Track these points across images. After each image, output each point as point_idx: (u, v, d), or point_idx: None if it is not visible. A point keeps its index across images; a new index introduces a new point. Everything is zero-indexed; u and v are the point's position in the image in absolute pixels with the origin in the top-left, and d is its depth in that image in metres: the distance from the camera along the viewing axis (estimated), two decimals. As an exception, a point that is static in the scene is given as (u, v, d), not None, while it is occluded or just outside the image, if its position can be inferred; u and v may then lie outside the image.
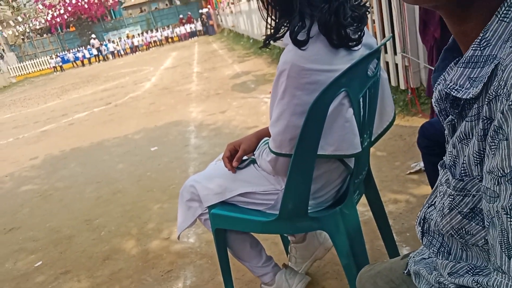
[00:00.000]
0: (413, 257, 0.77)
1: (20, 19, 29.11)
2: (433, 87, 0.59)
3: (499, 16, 0.47)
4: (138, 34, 27.50)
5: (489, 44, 0.48)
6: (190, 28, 26.97)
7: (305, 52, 0.97)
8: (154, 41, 26.60)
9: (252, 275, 1.62)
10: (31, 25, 29.74)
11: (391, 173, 2.37)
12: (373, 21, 3.64)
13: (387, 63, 3.58)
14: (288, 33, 1.01)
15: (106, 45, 24.92)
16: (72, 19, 31.00)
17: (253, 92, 5.68)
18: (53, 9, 29.76)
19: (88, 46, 25.77)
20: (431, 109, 2.39)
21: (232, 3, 15.20)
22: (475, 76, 0.50)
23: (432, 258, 0.71)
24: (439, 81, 0.58)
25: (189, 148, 3.81)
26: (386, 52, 3.52)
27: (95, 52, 24.65)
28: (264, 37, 1.09)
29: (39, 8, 30.67)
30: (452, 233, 0.59)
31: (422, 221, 0.69)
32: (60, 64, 24.01)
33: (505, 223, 0.45)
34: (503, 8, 0.47)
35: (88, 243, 2.40)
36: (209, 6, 24.96)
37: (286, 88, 0.99)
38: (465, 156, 0.53)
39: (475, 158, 0.51)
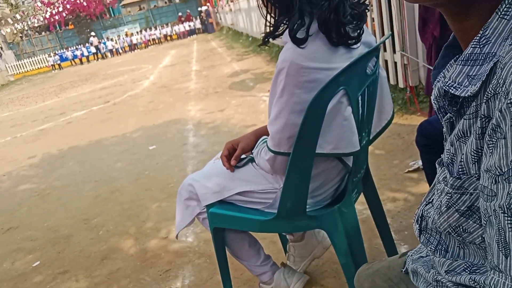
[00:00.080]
0: (411, 255, 0.76)
1: (18, 16, 29.01)
2: (433, 84, 0.59)
3: (499, 13, 0.47)
4: (137, 32, 27.45)
5: (488, 42, 0.48)
6: (189, 26, 26.92)
7: (304, 50, 0.96)
8: (153, 39, 26.55)
9: (250, 274, 1.61)
10: (29, 23, 29.64)
11: (389, 171, 2.36)
12: (372, 19, 3.64)
13: (386, 61, 3.57)
14: (287, 31, 1.00)
15: (104, 43, 24.86)
16: (71, 17, 30.90)
17: (252, 90, 5.68)
18: (52, 6, 29.65)
19: (87, 44, 25.71)
20: (429, 107, 2.39)
21: (232, 1, 15.17)
22: (473, 74, 0.49)
23: (430, 256, 0.70)
24: (439, 78, 0.57)
25: (188, 146, 3.80)
26: (385, 50, 3.51)
27: (93, 50, 24.59)
28: (263, 34, 1.08)
29: (37, 5, 30.59)
30: (450, 231, 0.59)
31: (420, 219, 0.69)
32: (59, 62, 23.95)
33: (502, 222, 0.45)
34: (504, 6, 0.47)
35: (86, 242, 2.40)
36: (208, 4, 24.91)
37: (285, 86, 0.99)
38: (463, 154, 0.52)
39: (472, 157, 0.50)
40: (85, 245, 2.37)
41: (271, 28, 1.06)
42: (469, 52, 0.50)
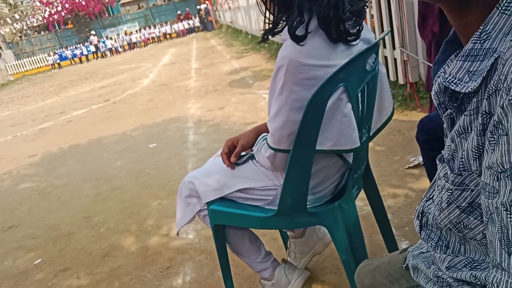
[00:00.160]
0: (412, 251, 0.77)
1: (17, 16, 28.92)
2: (433, 80, 0.59)
3: (500, 8, 0.47)
4: (136, 31, 27.38)
5: (489, 37, 0.48)
6: (188, 24, 26.86)
7: (303, 48, 0.96)
8: (152, 38, 26.49)
9: (251, 271, 1.62)
10: (28, 22, 29.55)
11: (390, 167, 2.37)
12: (372, 16, 3.63)
13: (385, 57, 3.57)
14: (286, 28, 1.00)
15: (104, 42, 24.82)
16: (70, 16, 30.83)
17: (251, 88, 5.67)
18: (51, 6, 29.56)
19: (86, 43, 25.67)
20: (430, 103, 2.38)
21: (230, -1, 15.14)
22: (474, 70, 0.49)
23: (430, 252, 0.71)
24: (439, 73, 0.57)
25: (188, 144, 3.80)
26: (384, 46, 3.51)
27: (93, 49, 24.55)
28: (262, 32, 1.08)
29: (36, 5, 30.50)
30: (450, 227, 0.58)
31: (420, 215, 0.68)
32: (58, 61, 23.90)
33: (505, 220, 0.45)
34: (504, 1, 0.46)
35: (87, 240, 2.40)
36: (207, 2, 24.84)
37: (284, 84, 0.99)
38: (464, 150, 0.52)
39: (473, 153, 0.50)
40: (86, 243, 2.37)
41: (270, 25, 1.06)
42: (469, 48, 0.50)
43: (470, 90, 0.49)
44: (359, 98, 1.08)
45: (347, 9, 0.98)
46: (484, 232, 0.54)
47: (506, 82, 0.43)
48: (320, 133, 1.03)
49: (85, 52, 24.55)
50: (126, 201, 2.83)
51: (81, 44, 26.16)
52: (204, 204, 1.31)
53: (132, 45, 25.16)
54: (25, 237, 2.64)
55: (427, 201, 0.67)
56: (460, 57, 0.51)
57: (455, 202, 0.55)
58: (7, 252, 2.50)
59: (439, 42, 2.03)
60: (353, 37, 1.02)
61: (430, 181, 1.58)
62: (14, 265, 2.33)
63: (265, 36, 1.08)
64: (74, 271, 2.11)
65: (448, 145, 0.56)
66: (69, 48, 25.89)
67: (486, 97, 0.46)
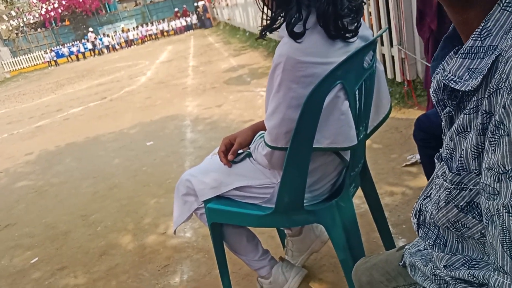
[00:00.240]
0: (409, 249, 0.76)
1: (13, 13, 28.80)
2: (432, 77, 0.58)
3: (501, 5, 0.46)
4: (133, 28, 27.29)
5: (490, 34, 0.47)
6: (186, 21, 26.79)
7: (300, 45, 0.96)
8: (150, 35, 26.43)
9: (249, 269, 1.62)
10: (25, 19, 29.44)
11: (387, 165, 2.37)
12: (370, 13, 3.62)
13: (383, 55, 3.57)
14: (284, 25, 1.00)
15: (101, 39, 24.72)
16: (67, 13, 30.69)
17: (249, 85, 5.66)
18: (47, 3, 29.43)
19: (83, 41, 25.57)
20: (427, 101, 2.39)
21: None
22: (474, 67, 0.48)
23: (427, 249, 0.70)
24: (438, 70, 0.56)
25: (185, 142, 3.79)
26: (382, 44, 3.51)
27: (90, 46, 24.46)
28: (260, 28, 1.07)
29: (32, 2, 30.33)
30: (448, 225, 0.58)
31: (418, 213, 0.68)
32: (55, 58, 23.81)
33: (507, 222, 0.44)
34: None
35: (84, 238, 2.40)
36: (204, -1, 24.79)
37: (282, 81, 0.98)
38: (463, 149, 0.51)
39: (472, 152, 0.49)
40: (83, 241, 2.36)
41: (268, 22, 1.05)
42: (469, 45, 0.49)
43: (470, 88, 0.48)
44: (357, 95, 1.08)
45: (345, 6, 0.98)
46: (483, 231, 0.53)
47: (508, 81, 0.42)
48: (318, 131, 1.02)
49: (82, 50, 24.46)
50: (123, 199, 2.82)
51: (78, 41, 26.06)
52: (201, 202, 1.30)
53: (129, 43, 25.09)
54: (22, 236, 2.63)
55: (424, 199, 0.67)
56: (460, 55, 0.50)
57: (453, 201, 0.54)
58: (3, 250, 2.49)
59: (437, 39, 2.03)
60: (351, 34, 1.01)
61: (428, 179, 1.58)
62: (11, 264, 2.32)
63: (263, 32, 1.07)
64: (71, 269, 2.11)
65: (447, 144, 0.56)
66: (66, 45, 25.81)
67: (486, 96, 0.46)
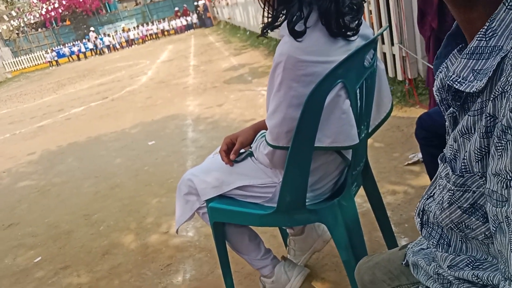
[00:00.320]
0: (412, 247, 0.76)
1: (14, 13, 28.81)
2: (435, 75, 0.57)
3: (506, 4, 0.45)
4: (134, 28, 27.30)
5: (495, 34, 0.46)
6: (186, 20, 26.78)
7: (301, 44, 0.96)
8: (150, 34, 26.42)
9: (251, 268, 1.62)
10: (25, 19, 29.45)
11: (389, 164, 2.37)
12: (370, 12, 3.62)
13: (384, 54, 3.56)
14: (284, 23, 1.00)
15: (101, 39, 24.73)
16: (67, 13, 30.70)
17: (250, 84, 5.66)
18: (47, 3, 29.44)
19: (84, 40, 25.58)
20: (430, 99, 2.38)
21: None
22: (479, 68, 0.48)
23: (430, 248, 0.70)
24: (441, 68, 0.56)
25: (187, 141, 3.80)
26: (383, 43, 3.50)
27: (90, 46, 24.47)
28: (262, 25, 1.07)
29: (33, 2, 30.34)
30: (452, 226, 0.58)
31: (421, 213, 0.68)
32: (56, 58, 23.85)
33: None
34: None
35: (87, 238, 2.40)
36: (205, -2, 24.76)
37: (282, 80, 0.98)
38: (466, 151, 0.51)
39: (476, 155, 0.49)
40: (86, 241, 2.37)
41: (270, 19, 1.05)
42: (474, 46, 0.48)
43: (475, 90, 0.47)
44: (358, 94, 1.08)
45: (347, 4, 0.98)
46: (486, 233, 0.53)
47: None
48: (319, 130, 1.02)
49: (83, 49, 24.47)
50: (125, 199, 2.82)
51: (78, 41, 26.07)
52: (203, 201, 1.31)
53: (130, 42, 25.09)
54: (25, 235, 2.64)
55: (428, 199, 0.66)
56: (465, 55, 0.50)
57: (457, 202, 0.54)
58: (7, 250, 2.50)
59: (438, 38, 2.03)
60: (352, 32, 1.01)
61: (430, 178, 1.58)
62: (14, 263, 2.33)
63: (265, 30, 1.07)
64: (74, 269, 2.11)
65: (451, 145, 0.55)
66: (66, 45, 25.82)
67: (491, 98, 0.45)
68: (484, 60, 0.47)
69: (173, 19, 27.88)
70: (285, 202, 1.15)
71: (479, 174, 0.50)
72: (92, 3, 30.20)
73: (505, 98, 0.43)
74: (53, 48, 25.67)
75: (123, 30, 26.74)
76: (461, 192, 0.53)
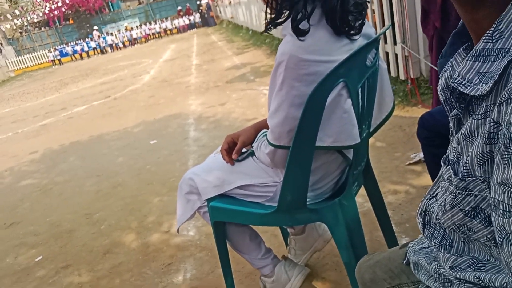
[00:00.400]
0: (412, 246, 0.76)
1: (17, 12, 28.88)
2: (440, 74, 0.57)
3: None
4: (137, 27, 27.32)
5: (502, 36, 0.45)
6: (189, 20, 26.80)
7: (303, 43, 0.95)
8: (153, 34, 26.44)
9: (251, 267, 1.62)
10: (28, 18, 29.52)
11: (390, 164, 2.36)
12: (373, 11, 3.61)
13: (386, 53, 3.55)
14: (287, 23, 0.99)
15: (104, 38, 24.78)
16: (70, 12, 30.76)
17: (252, 84, 5.66)
18: (51, 2, 29.51)
19: (87, 39, 25.64)
20: (433, 98, 2.37)
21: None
22: (484, 71, 0.47)
23: (432, 247, 0.70)
24: (446, 67, 0.55)
25: (189, 141, 3.80)
26: (386, 42, 3.49)
27: (93, 45, 24.52)
28: (266, 21, 1.06)
29: (36, 1, 30.44)
30: (454, 228, 0.57)
31: (423, 213, 0.67)
32: (59, 57, 23.91)
33: None
34: None
35: (88, 237, 2.41)
36: (208, -3, 24.75)
37: (284, 80, 0.98)
38: (468, 155, 0.50)
39: (478, 160, 0.48)
40: (87, 240, 2.38)
41: (273, 15, 1.04)
42: (480, 48, 0.47)
43: (480, 93, 0.46)
44: (359, 93, 1.08)
45: (352, 3, 0.98)
46: (489, 236, 0.52)
47: None
48: (320, 129, 1.02)
49: (85, 48, 24.53)
50: (127, 198, 2.83)
51: (81, 40, 26.13)
52: (204, 200, 1.31)
53: (132, 41, 25.12)
54: (27, 234, 2.65)
55: (430, 199, 0.66)
56: (470, 57, 0.49)
57: (459, 205, 0.54)
58: (8, 249, 2.51)
59: (441, 37, 2.02)
60: (356, 31, 1.01)
61: (431, 178, 1.58)
62: (15, 262, 2.33)
63: (269, 26, 1.05)
64: (75, 268, 2.12)
65: (454, 147, 0.55)
66: (69, 44, 25.87)
67: (497, 104, 0.44)
68: (490, 63, 0.46)
69: (175, 18, 27.89)
70: (286, 201, 1.15)
71: (481, 178, 0.49)
72: (95, 2, 30.26)
73: (511, 106, 0.42)
74: (56, 47, 25.72)
75: (126, 29, 26.78)
76: (463, 196, 0.52)
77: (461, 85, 0.49)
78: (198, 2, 26.59)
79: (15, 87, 15.45)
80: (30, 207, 3.11)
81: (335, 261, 1.68)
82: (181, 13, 28.15)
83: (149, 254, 2.07)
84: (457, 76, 0.50)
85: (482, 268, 0.57)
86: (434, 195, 0.65)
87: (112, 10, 32.64)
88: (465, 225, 0.55)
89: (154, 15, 31.65)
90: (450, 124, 0.57)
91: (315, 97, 0.97)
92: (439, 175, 0.65)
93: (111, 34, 25.46)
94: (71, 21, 31.43)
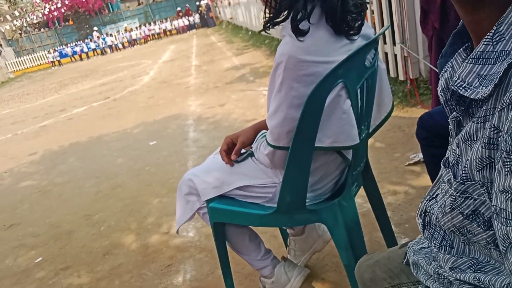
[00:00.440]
0: (412, 246, 0.76)
1: (17, 13, 28.90)
2: (440, 74, 0.57)
3: None
4: (136, 28, 27.33)
5: (502, 39, 0.44)
6: (188, 20, 26.81)
7: (302, 44, 0.95)
8: (152, 34, 26.45)
9: (251, 268, 1.62)
10: (28, 19, 29.55)
11: (390, 164, 2.36)
12: (372, 12, 3.61)
13: (386, 54, 3.56)
14: (285, 23, 0.99)
15: (104, 39, 24.78)
16: (70, 12, 30.77)
17: (252, 84, 5.66)
18: (50, 3, 29.53)
19: (86, 40, 25.65)
20: (433, 98, 2.36)
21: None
22: (485, 74, 0.46)
23: (431, 247, 0.70)
24: (446, 68, 0.55)
25: (188, 141, 3.80)
26: (385, 42, 3.50)
27: (93, 46, 24.53)
28: (264, 20, 1.05)
29: (36, 2, 30.44)
30: (454, 230, 0.57)
31: (423, 214, 0.67)
32: (58, 58, 23.90)
33: None
34: None
35: (88, 238, 2.41)
36: (207, -2, 24.76)
37: (283, 81, 0.98)
38: (468, 159, 0.50)
39: (477, 164, 0.48)
40: (87, 241, 2.37)
41: (272, 14, 1.03)
42: (480, 50, 0.47)
43: (480, 97, 0.46)
44: (358, 94, 1.08)
45: (352, 3, 0.98)
46: (488, 239, 0.52)
47: None
48: (319, 130, 1.02)
49: (85, 49, 24.53)
50: (126, 199, 2.83)
51: (81, 41, 26.13)
52: (204, 201, 1.30)
53: (132, 42, 25.13)
54: (26, 236, 2.64)
55: (430, 200, 0.65)
56: (471, 60, 0.48)
57: (458, 208, 0.53)
58: (8, 250, 2.51)
59: (440, 38, 2.02)
60: (355, 31, 1.01)
61: (430, 178, 1.57)
62: (15, 263, 2.33)
63: (267, 25, 1.05)
64: (75, 269, 2.12)
65: (454, 150, 0.54)
66: (69, 45, 25.87)
67: (498, 109, 0.43)
68: (490, 65, 0.46)
69: (175, 19, 27.90)
70: (285, 202, 1.15)
71: (480, 183, 0.49)
72: (95, 3, 30.26)
73: None
74: (56, 48, 25.71)
75: (126, 30, 26.79)
76: (463, 199, 0.52)
77: (461, 88, 0.49)
78: (197, 3, 26.61)
79: (14, 88, 15.44)
80: (30, 208, 3.11)
81: (334, 261, 1.68)
82: (181, 14, 28.16)
83: (148, 255, 2.07)
84: (457, 79, 0.50)
85: (482, 269, 0.57)
86: (434, 196, 0.65)
87: (111, 11, 32.64)
88: (465, 228, 0.55)
89: (154, 16, 31.66)
90: (450, 126, 0.57)
91: (314, 98, 0.97)
92: (438, 176, 0.65)
93: (111, 35, 25.45)
94: (70, 22, 31.43)
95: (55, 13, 29.88)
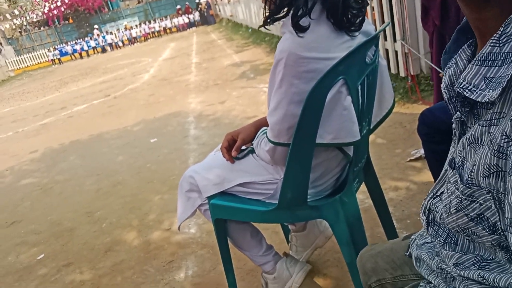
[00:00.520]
0: (416, 240, 0.75)
1: (16, 12, 28.86)
2: (443, 70, 0.56)
3: None
4: (136, 25, 27.31)
5: (509, 40, 0.44)
6: (188, 18, 26.76)
7: (302, 40, 0.95)
8: (152, 32, 26.41)
9: (253, 264, 1.62)
10: (28, 18, 29.50)
11: (391, 160, 2.36)
12: (372, 8, 3.60)
13: (386, 50, 3.55)
14: (286, 20, 0.99)
15: (104, 37, 24.75)
16: (69, 11, 30.71)
17: (252, 81, 5.66)
18: (50, 1, 29.48)
19: (86, 38, 25.62)
20: (434, 94, 2.36)
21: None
22: (491, 76, 0.45)
23: (435, 242, 0.69)
24: (450, 64, 0.54)
25: (189, 139, 3.80)
26: (385, 39, 3.49)
27: (93, 44, 24.50)
28: (265, 15, 1.05)
29: (35, 0, 30.39)
30: (458, 230, 0.57)
31: (427, 211, 0.67)
32: (58, 57, 23.89)
33: None
34: None
35: (90, 235, 2.41)
36: (208, -5, 24.69)
37: (284, 77, 0.98)
38: (475, 164, 0.49)
39: (484, 170, 0.46)
40: (88, 238, 2.38)
41: (272, 10, 1.03)
42: (487, 52, 0.46)
43: (487, 100, 0.45)
44: (359, 91, 1.08)
45: (353, 0, 0.97)
46: (493, 242, 0.52)
47: None
48: (320, 126, 1.02)
49: (85, 48, 24.51)
50: (127, 196, 2.83)
51: (81, 40, 26.11)
52: (205, 198, 1.31)
53: (132, 40, 25.10)
54: (28, 233, 2.65)
55: (434, 198, 0.65)
56: (477, 61, 0.47)
57: (464, 210, 0.53)
58: (10, 247, 2.52)
59: (441, 34, 2.02)
60: (356, 27, 1.01)
61: (432, 174, 1.58)
62: (17, 260, 2.34)
63: (268, 20, 1.04)
64: (77, 266, 2.12)
65: (460, 151, 0.54)
66: (69, 43, 25.85)
67: (510, 118, 0.42)
68: (497, 68, 0.45)
69: (175, 17, 27.86)
70: (286, 198, 1.15)
71: (486, 189, 0.48)
72: (95, 1, 30.20)
73: None
74: (56, 47, 25.69)
75: (126, 28, 26.75)
76: (469, 202, 0.51)
77: (466, 90, 0.48)
78: (197, 1, 26.54)
79: (15, 86, 15.44)
80: (31, 206, 3.12)
81: (336, 257, 1.68)
82: (181, 11, 28.11)
83: (150, 252, 2.08)
84: (463, 81, 0.49)
85: (486, 267, 0.56)
86: (438, 194, 0.64)
87: (111, 9, 32.57)
88: (470, 229, 0.54)
89: (154, 14, 31.60)
90: (453, 125, 0.56)
91: (315, 94, 0.97)
92: (441, 174, 0.64)
93: (111, 33, 25.42)
94: (70, 21, 31.37)
95: (55, 12, 29.83)
